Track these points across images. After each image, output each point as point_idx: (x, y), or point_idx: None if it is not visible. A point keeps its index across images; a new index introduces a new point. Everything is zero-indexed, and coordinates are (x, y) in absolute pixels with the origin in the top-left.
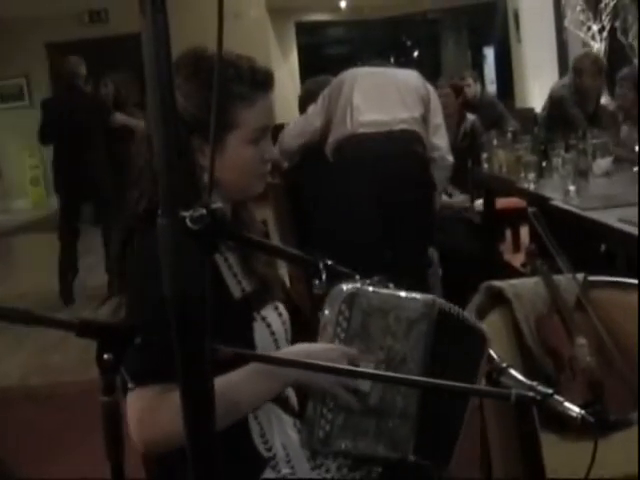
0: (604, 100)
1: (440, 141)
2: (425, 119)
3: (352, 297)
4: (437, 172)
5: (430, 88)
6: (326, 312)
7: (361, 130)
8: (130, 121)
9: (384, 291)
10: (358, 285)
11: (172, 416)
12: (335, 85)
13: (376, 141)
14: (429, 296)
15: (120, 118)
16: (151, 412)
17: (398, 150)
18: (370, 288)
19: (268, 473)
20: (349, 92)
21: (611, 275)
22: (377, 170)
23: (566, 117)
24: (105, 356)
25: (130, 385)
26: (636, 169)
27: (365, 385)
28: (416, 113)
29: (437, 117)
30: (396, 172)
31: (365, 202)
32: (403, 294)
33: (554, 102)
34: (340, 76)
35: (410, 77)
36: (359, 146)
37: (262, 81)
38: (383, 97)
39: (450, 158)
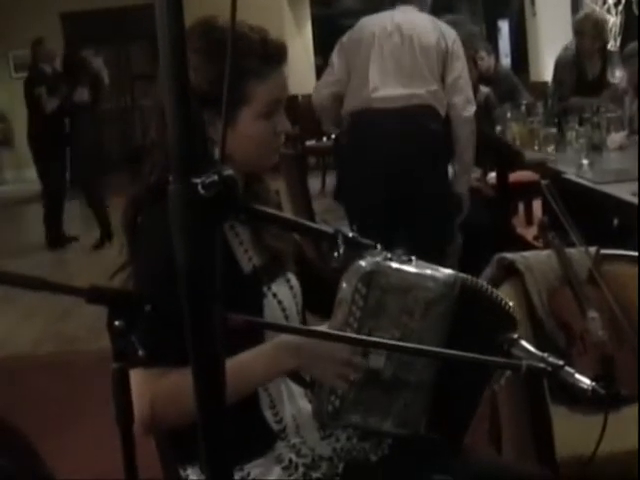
0: (618, 74)
1: (457, 98)
2: (443, 79)
3: (370, 275)
4: (458, 130)
5: (451, 36)
6: (343, 286)
7: (375, 105)
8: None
9: (404, 268)
10: (378, 260)
11: (165, 401)
12: (353, 42)
13: (390, 117)
14: (451, 274)
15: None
16: (146, 397)
17: (412, 127)
18: (391, 264)
19: (278, 444)
20: (365, 60)
21: (623, 249)
22: (390, 147)
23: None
24: (116, 323)
25: (140, 353)
26: None
27: (378, 362)
28: (433, 84)
29: (454, 72)
30: (409, 150)
31: (378, 178)
32: (424, 271)
33: (558, 64)
34: (358, 29)
35: (429, 32)
36: (373, 122)
37: (275, 54)
38: (400, 69)
39: (468, 111)
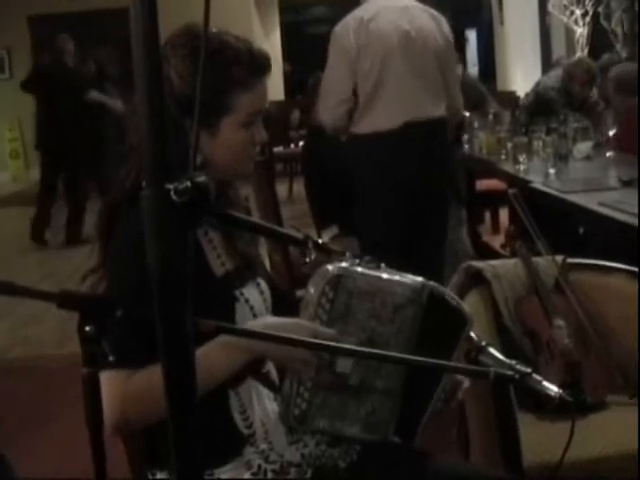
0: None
1: (455, 93)
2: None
3: (337, 278)
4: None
5: (443, 22)
6: (310, 290)
7: (403, 125)
8: (105, 99)
9: (372, 273)
10: (345, 265)
11: (137, 400)
12: (363, 47)
13: (415, 139)
14: (419, 281)
15: (95, 96)
16: (118, 397)
17: (433, 146)
18: (358, 269)
19: (247, 450)
20: (385, 73)
21: (589, 258)
22: (414, 167)
23: (555, 113)
24: (86, 328)
25: (111, 358)
26: (609, 154)
27: (345, 366)
28: (444, 96)
29: (455, 67)
30: (430, 170)
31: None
32: (392, 277)
33: (542, 100)
34: (363, 29)
35: (435, 31)
36: (399, 143)
37: (260, 65)
38: (423, 86)
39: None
